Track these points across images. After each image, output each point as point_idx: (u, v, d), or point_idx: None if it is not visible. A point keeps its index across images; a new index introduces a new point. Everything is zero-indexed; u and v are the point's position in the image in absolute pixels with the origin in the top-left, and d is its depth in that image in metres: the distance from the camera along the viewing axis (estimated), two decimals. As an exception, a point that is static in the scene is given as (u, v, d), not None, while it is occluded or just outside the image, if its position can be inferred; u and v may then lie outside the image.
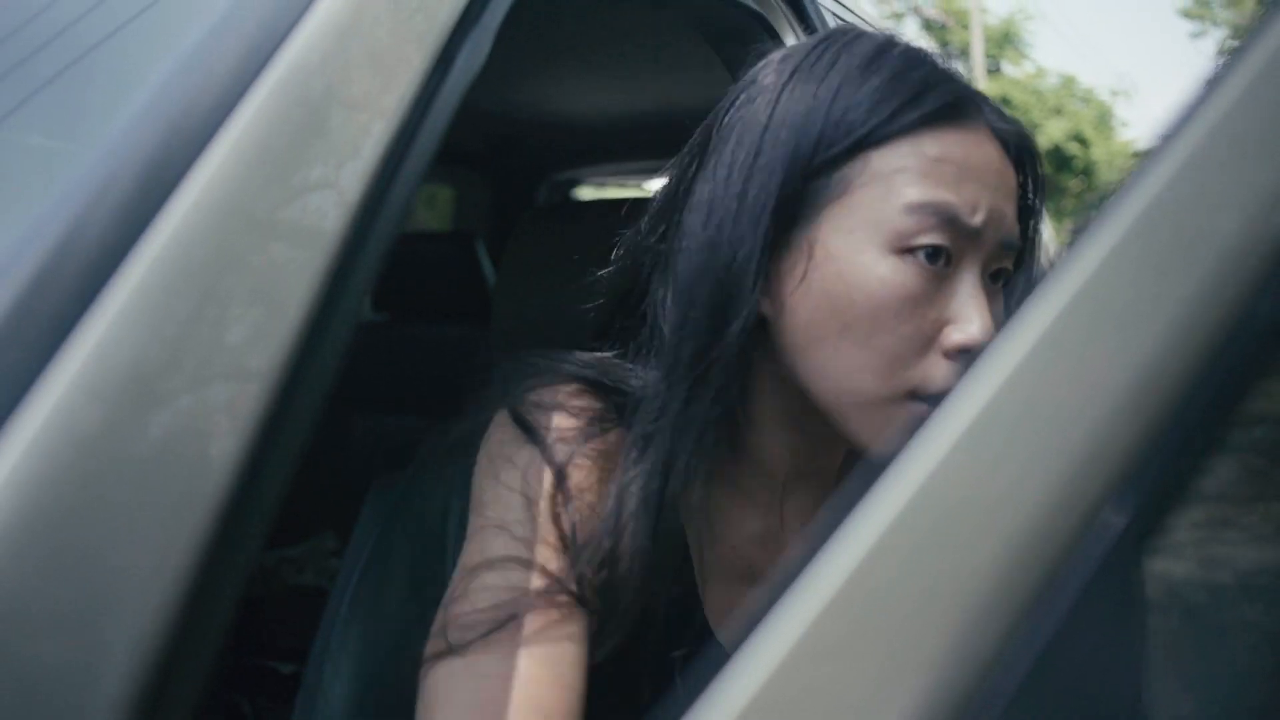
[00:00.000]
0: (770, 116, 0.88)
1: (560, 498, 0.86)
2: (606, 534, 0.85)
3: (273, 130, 0.69)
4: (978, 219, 0.85)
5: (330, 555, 2.56)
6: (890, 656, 0.56)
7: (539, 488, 0.87)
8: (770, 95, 0.89)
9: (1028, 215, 0.94)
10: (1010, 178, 0.89)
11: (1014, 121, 0.92)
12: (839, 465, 1.03)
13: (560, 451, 0.88)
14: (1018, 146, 0.91)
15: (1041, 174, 0.94)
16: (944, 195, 0.84)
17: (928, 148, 0.85)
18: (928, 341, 0.85)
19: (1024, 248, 0.92)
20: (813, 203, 0.86)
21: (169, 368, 0.61)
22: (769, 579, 0.75)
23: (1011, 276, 0.91)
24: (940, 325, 0.85)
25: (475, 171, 3.42)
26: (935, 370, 0.84)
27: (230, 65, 0.70)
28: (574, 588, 0.84)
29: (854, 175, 0.85)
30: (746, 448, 0.98)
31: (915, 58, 0.90)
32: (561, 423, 0.90)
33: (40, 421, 0.57)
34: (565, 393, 0.92)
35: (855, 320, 0.85)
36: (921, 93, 0.86)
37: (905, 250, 0.84)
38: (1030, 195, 0.94)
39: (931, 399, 0.70)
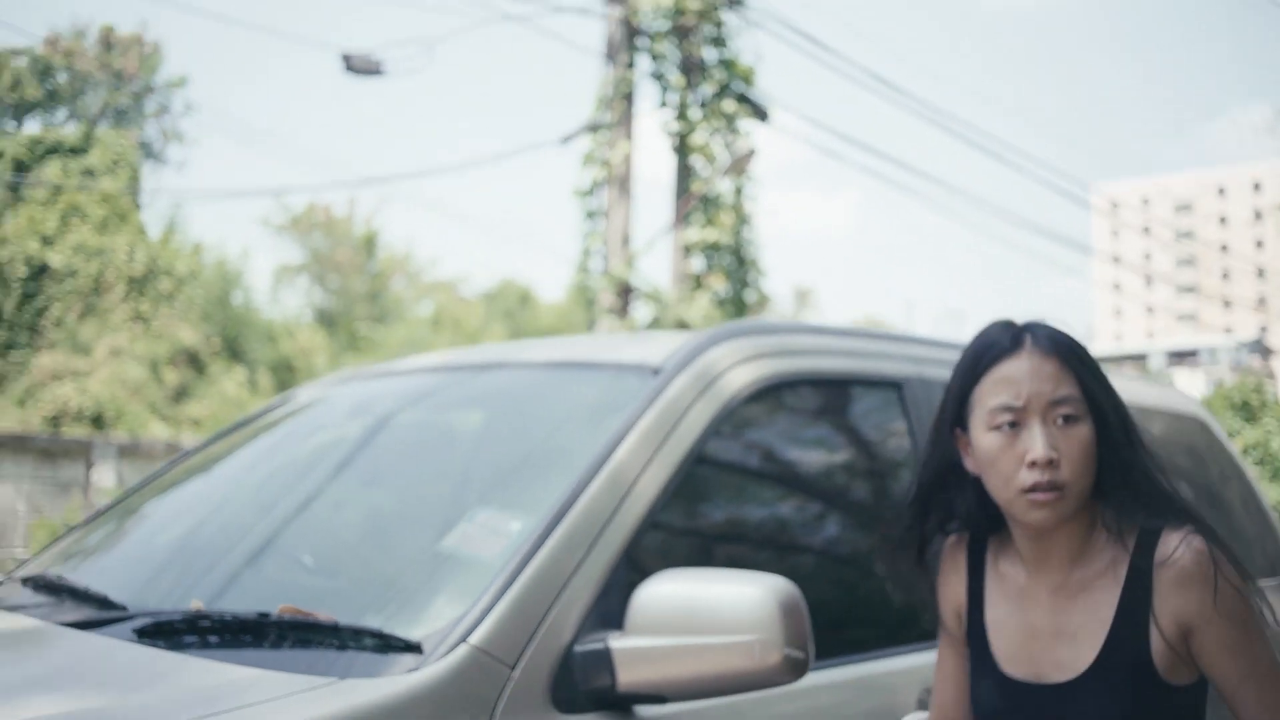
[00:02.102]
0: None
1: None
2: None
3: None
4: (1021, 401, 1.79)
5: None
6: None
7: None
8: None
9: (1083, 375, 1.83)
10: (1046, 367, 1.81)
11: (1049, 338, 1.84)
12: (1069, 558, 1.85)
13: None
14: (1054, 349, 1.83)
15: (1080, 351, 1.85)
16: (1001, 399, 1.81)
17: (994, 376, 1.84)
18: (1018, 465, 1.79)
19: (1085, 395, 1.81)
20: (967, 419, 1.87)
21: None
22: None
23: (1097, 413, 1.82)
24: (1022, 455, 1.78)
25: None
26: (1025, 477, 1.78)
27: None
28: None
29: (975, 402, 1.86)
30: (1011, 543, 1.92)
31: (989, 329, 1.90)
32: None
33: None
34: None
35: (984, 464, 1.84)
36: (985, 352, 1.86)
37: (994, 428, 1.81)
38: (1079, 363, 1.83)
39: (1029, 491, 1.77)
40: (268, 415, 3.33)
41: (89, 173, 25.32)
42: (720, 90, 12.85)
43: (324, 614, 2.07)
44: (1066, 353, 1.84)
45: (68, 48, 31.97)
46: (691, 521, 2.37)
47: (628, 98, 12.56)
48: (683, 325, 11.75)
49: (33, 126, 30.87)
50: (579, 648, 1.97)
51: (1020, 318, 1.93)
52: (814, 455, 2.73)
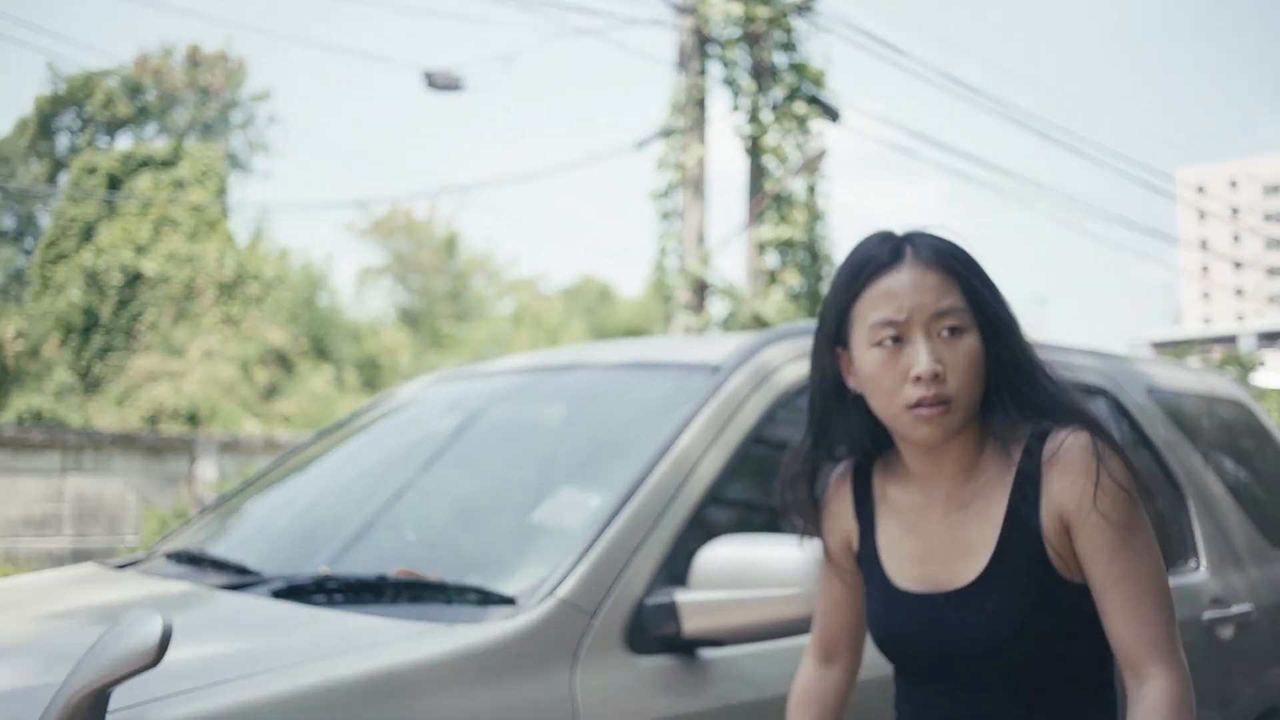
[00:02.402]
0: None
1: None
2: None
3: None
4: (903, 315, 1.74)
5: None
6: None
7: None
8: None
9: (968, 284, 1.77)
10: (928, 279, 1.75)
11: (931, 247, 1.77)
12: (960, 472, 1.81)
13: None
14: (936, 259, 1.76)
15: (964, 259, 1.78)
16: (882, 313, 1.75)
17: (874, 291, 1.77)
18: (902, 380, 1.74)
19: (971, 305, 1.76)
20: (847, 337, 1.81)
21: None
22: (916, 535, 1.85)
23: (983, 323, 1.76)
24: (907, 370, 1.73)
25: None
26: (910, 392, 1.73)
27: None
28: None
29: (855, 318, 1.79)
30: (899, 464, 1.89)
31: (866, 241, 1.82)
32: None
33: None
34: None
35: (867, 381, 1.78)
36: (864, 265, 1.79)
37: (877, 344, 1.75)
38: (964, 272, 1.77)
39: (915, 407, 1.72)
40: (370, 412, 3.72)
41: (179, 184, 25.96)
42: (791, 93, 13.08)
43: (432, 575, 2.45)
44: (950, 262, 1.77)
45: (156, 67, 32.85)
46: (746, 496, 2.70)
47: (700, 103, 12.84)
48: (758, 319, 12.04)
49: (124, 142, 31.76)
50: (649, 600, 2.31)
51: (902, 229, 1.85)
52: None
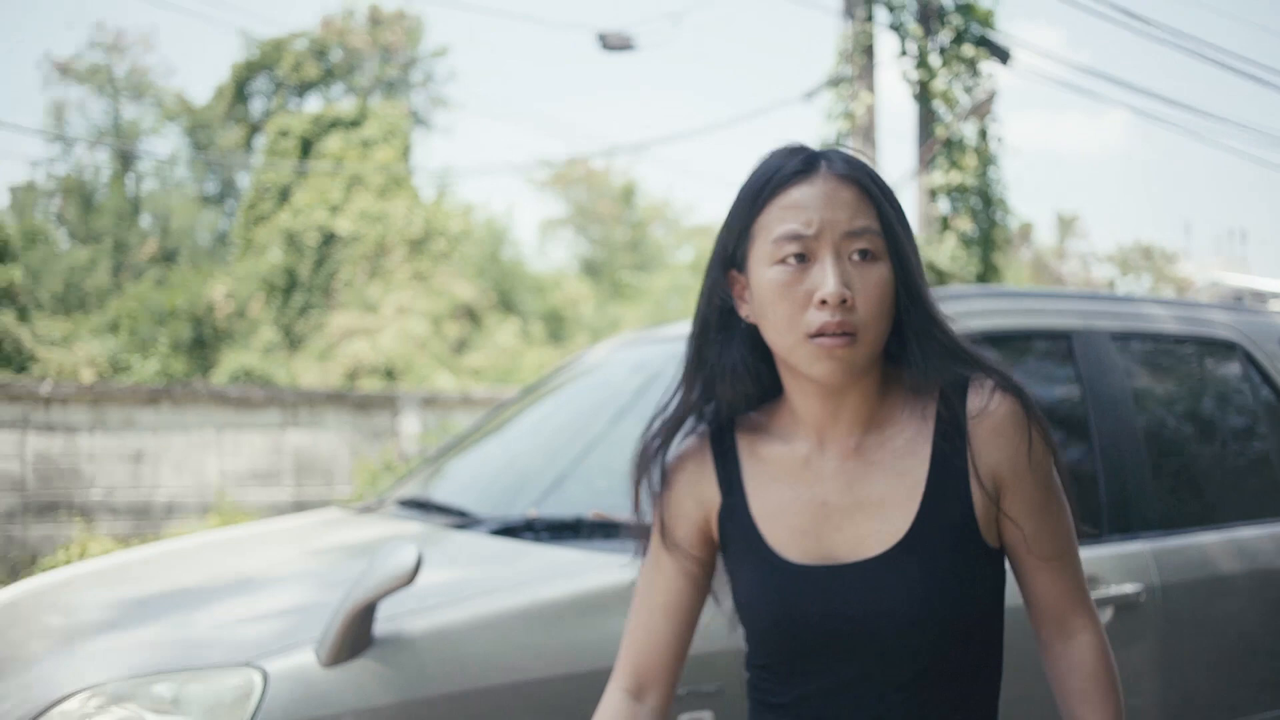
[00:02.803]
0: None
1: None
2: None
3: None
4: (812, 230, 1.55)
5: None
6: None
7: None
8: None
9: (884, 210, 1.59)
10: (842, 195, 1.57)
11: (847, 162, 1.60)
12: (862, 421, 1.63)
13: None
14: (852, 173, 1.58)
15: (881, 183, 1.60)
16: (789, 226, 1.56)
17: (781, 203, 1.59)
18: (805, 304, 1.54)
19: (885, 233, 1.58)
20: (745, 257, 1.63)
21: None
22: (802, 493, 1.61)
23: (896, 257, 1.58)
24: (811, 293, 1.54)
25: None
26: (813, 318, 1.53)
27: None
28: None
29: (757, 233, 1.61)
30: (789, 408, 1.68)
31: (774, 154, 1.64)
32: None
33: None
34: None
35: (766, 306, 1.58)
36: (773, 175, 1.60)
37: (780, 261, 1.57)
38: (881, 196, 1.59)
39: (817, 335, 1.52)
40: (564, 373, 4.23)
41: (366, 143, 26.87)
42: (959, 35, 13.11)
43: (620, 516, 2.94)
44: (867, 180, 1.59)
45: (340, 28, 34.03)
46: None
47: (867, 51, 12.99)
48: (931, 267, 12.23)
49: (314, 104, 33.02)
50: None
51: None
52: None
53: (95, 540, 9.29)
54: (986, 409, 1.59)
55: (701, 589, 1.72)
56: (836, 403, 1.62)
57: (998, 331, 3.30)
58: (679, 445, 1.72)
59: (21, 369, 18.78)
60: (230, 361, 21.94)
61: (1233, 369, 3.67)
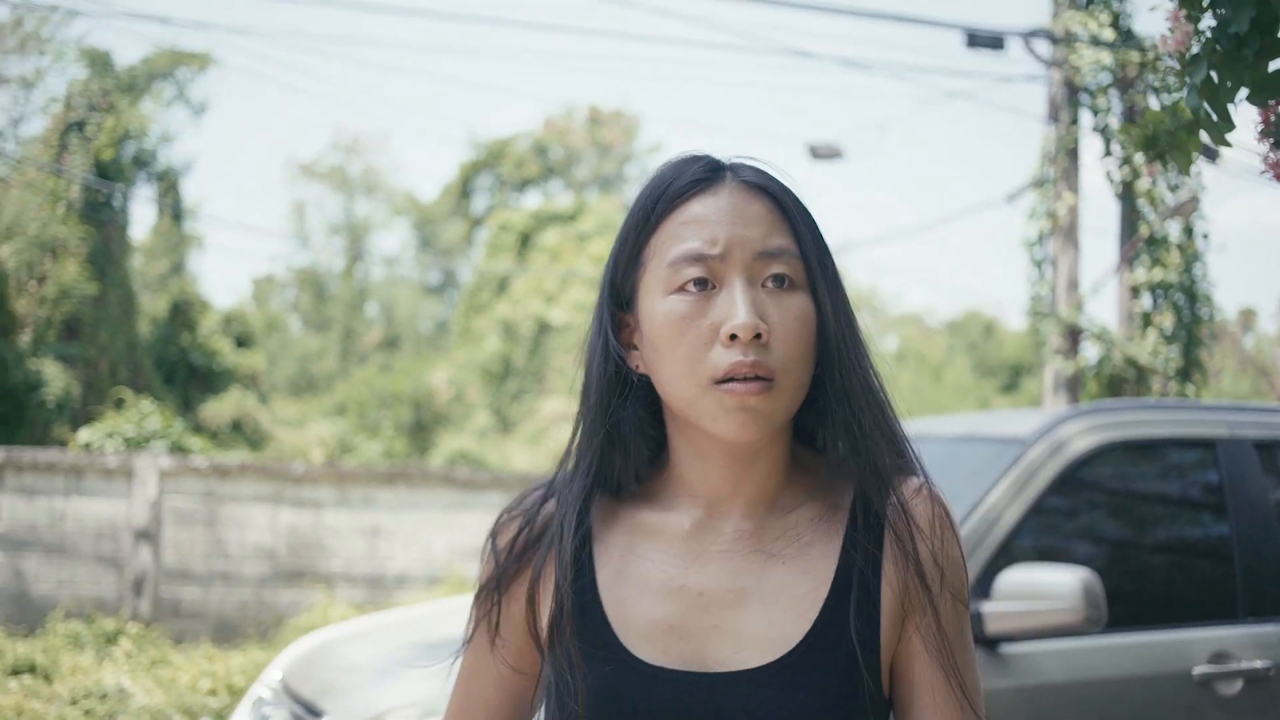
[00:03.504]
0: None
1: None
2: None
3: None
4: (717, 248, 1.26)
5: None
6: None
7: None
8: None
9: (801, 231, 1.30)
10: (753, 209, 1.29)
11: (759, 172, 1.33)
12: (764, 496, 1.33)
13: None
14: (765, 184, 1.31)
15: (798, 201, 1.32)
16: (689, 244, 1.26)
17: (678, 218, 1.29)
18: (710, 341, 1.24)
19: (803, 254, 1.29)
20: (634, 288, 1.32)
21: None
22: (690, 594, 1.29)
23: (811, 278, 1.30)
24: (717, 327, 1.24)
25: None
26: (719, 358, 1.23)
27: None
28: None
29: (650, 257, 1.30)
30: (675, 473, 1.36)
31: (669, 163, 1.35)
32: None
33: None
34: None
35: (661, 346, 1.27)
36: (666, 188, 1.31)
37: (678, 289, 1.26)
38: (798, 214, 1.31)
39: (724, 381, 1.22)
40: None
41: (581, 237, 27.97)
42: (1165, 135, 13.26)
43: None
44: (782, 194, 1.32)
45: (561, 127, 35.57)
46: (1038, 540, 3.59)
47: (1071, 152, 13.30)
48: (1131, 363, 12.39)
49: (532, 199, 34.51)
50: None
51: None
52: (1135, 499, 3.88)
53: (335, 606, 10.20)
54: (914, 513, 1.31)
55: (520, 697, 1.43)
56: (741, 471, 1.31)
57: (1147, 439, 3.77)
58: (514, 511, 1.42)
59: (258, 447, 20.29)
60: (447, 444, 23.09)
61: None
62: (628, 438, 1.35)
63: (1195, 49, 1.97)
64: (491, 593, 1.39)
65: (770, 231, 1.29)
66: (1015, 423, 3.94)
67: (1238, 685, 3.39)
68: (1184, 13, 1.98)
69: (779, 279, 1.28)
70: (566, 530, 1.35)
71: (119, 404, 14.25)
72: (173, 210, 23.05)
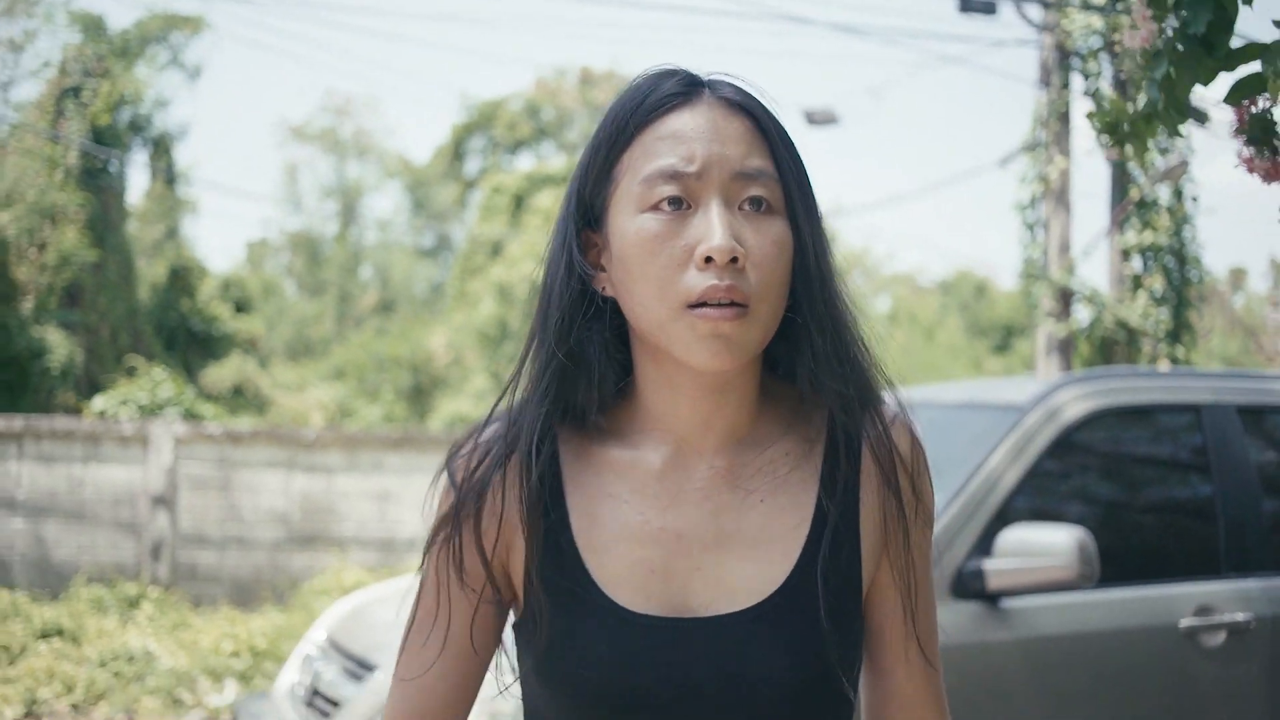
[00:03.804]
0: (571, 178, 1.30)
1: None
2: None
3: None
4: (694, 166, 1.19)
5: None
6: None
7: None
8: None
9: (780, 153, 1.24)
10: (732, 127, 1.22)
11: (738, 90, 1.26)
12: (736, 431, 1.28)
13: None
14: (745, 102, 1.25)
15: (778, 122, 1.26)
16: (665, 160, 1.20)
17: (654, 133, 1.22)
18: (684, 263, 1.17)
19: (782, 175, 1.24)
20: (604, 205, 1.25)
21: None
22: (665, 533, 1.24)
23: (790, 203, 1.24)
24: (692, 248, 1.17)
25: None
26: (693, 281, 1.17)
27: None
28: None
29: (621, 174, 1.23)
30: (643, 406, 1.29)
31: (644, 76, 1.28)
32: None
33: None
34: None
35: (632, 266, 1.20)
36: (642, 101, 1.24)
37: (651, 207, 1.19)
38: (778, 135, 1.25)
39: (698, 306, 1.16)
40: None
41: None
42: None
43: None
44: (762, 114, 1.27)
45: (552, 88, 35.59)
46: (1035, 502, 3.85)
47: (1063, 116, 13.48)
48: (1122, 325, 12.65)
49: (525, 161, 34.58)
50: (967, 565, 3.51)
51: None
52: (1126, 461, 4.15)
53: (348, 569, 10.46)
54: (889, 443, 1.29)
55: (488, 650, 1.32)
56: (713, 404, 1.25)
57: (1137, 405, 4.03)
58: (477, 451, 1.30)
59: (261, 412, 20.51)
60: (446, 407, 23.28)
61: None
62: (593, 361, 1.26)
63: (1159, 46, 2.16)
64: (453, 527, 1.28)
65: (749, 152, 1.24)
66: (1012, 390, 4.19)
67: (1221, 637, 3.67)
68: (1150, 12, 2.17)
69: (756, 202, 1.23)
70: (531, 462, 1.26)
71: (131, 372, 14.45)
72: (166, 175, 23.13)
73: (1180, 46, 2.08)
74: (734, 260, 1.17)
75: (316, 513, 11.25)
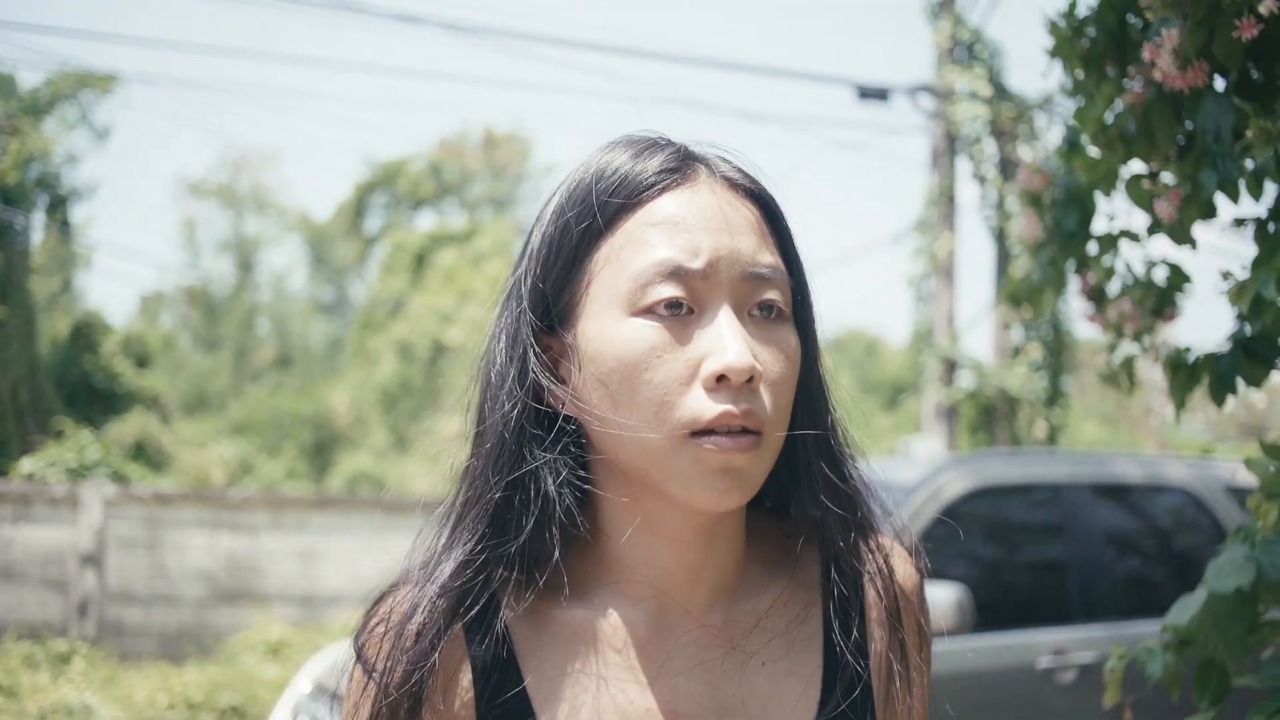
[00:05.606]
0: (516, 264, 1.07)
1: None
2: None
3: None
4: (699, 262, 0.98)
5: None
6: None
7: None
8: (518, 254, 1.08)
9: (789, 249, 1.07)
10: (742, 214, 1.03)
11: (746, 169, 1.08)
12: (726, 578, 1.08)
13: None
14: (751, 186, 1.07)
15: (780, 211, 1.08)
16: (662, 253, 0.98)
17: (645, 217, 1.01)
18: (687, 381, 0.97)
19: (794, 274, 1.06)
20: (570, 303, 1.02)
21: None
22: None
23: (798, 307, 1.06)
24: (697, 364, 0.97)
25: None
26: (700, 405, 0.96)
27: None
28: None
29: (595, 266, 1.01)
30: (608, 553, 1.06)
31: (619, 148, 1.07)
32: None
33: None
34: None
35: (615, 383, 0.98)
36: (626, 175, 1.03)
37: (645, 310, 0.98)
38: (784, 229, 1.07)
39: (705, 434, 0.96)
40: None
41: (477, 257, 28.26)
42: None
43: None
44: (768, 200, 1.08)
45: (456, 148, 35.88)
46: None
47: (950, 198, 14.37)
48: (1003, 392, 13.55)
49: (427, 219, 34.68)
50: None
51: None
52: (998, 529, 4.92)
53: (272, 624, 10.87)
54: (899, 577, 1.14)
55: None
56: (702, 550, 1.06)
57: (1008, 483, 4.82)
58: (412, 620, 1.04)
59: (161, 469, 20.53)
60: (347, 464, 23.41)
61: (1184, 508, 5.13)
62: (549, 497, 1.02)
63: (1043, 238, 2.83)
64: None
65: (760, 246, 1.03)
66: (904, 471, 4.94)
67: (1072, 674, 4.45)
68: (1034, 211, 2.84)
69: (767, 308, 1.02)
70: (478, 640, 1.04)
71: (59, 435, 14.63)
72: (59, 228, 23.15)
73: (1057, 237, 2.73)
74: (748, 380, 0.97)
75: (241, 570, 11.63)
